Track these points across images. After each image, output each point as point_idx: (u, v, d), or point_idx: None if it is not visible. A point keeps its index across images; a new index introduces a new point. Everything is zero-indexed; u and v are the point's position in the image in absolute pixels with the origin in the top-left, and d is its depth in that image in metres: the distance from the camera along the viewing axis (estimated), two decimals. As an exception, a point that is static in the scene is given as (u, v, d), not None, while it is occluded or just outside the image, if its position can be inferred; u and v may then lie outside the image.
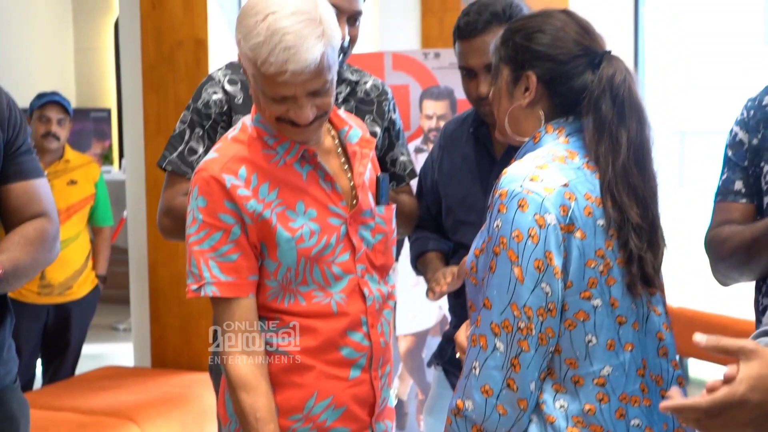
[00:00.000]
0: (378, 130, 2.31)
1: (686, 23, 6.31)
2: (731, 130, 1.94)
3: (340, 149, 1.87)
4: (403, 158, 2.38)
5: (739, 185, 1.90)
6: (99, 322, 6.18)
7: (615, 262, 1.54)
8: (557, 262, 1.50)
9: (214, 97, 2.21)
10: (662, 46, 6.57)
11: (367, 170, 1.88)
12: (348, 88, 2.30)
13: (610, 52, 1.66)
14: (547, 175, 1.54)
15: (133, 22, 3.87)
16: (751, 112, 1.90)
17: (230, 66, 2.27)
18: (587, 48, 1.66)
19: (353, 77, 2.32)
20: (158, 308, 4.28)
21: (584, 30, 1.67)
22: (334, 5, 2.09)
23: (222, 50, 3.76)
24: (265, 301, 1.77)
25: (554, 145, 1.63)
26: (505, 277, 1.51)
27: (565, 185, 1.54)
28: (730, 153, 1.93)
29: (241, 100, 2.21)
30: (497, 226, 1.53)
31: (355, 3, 2.18)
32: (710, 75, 6.19)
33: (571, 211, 1.52)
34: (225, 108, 2.20)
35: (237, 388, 1.72)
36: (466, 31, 2.20)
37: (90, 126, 8.11)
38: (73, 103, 8.25)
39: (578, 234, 1.52)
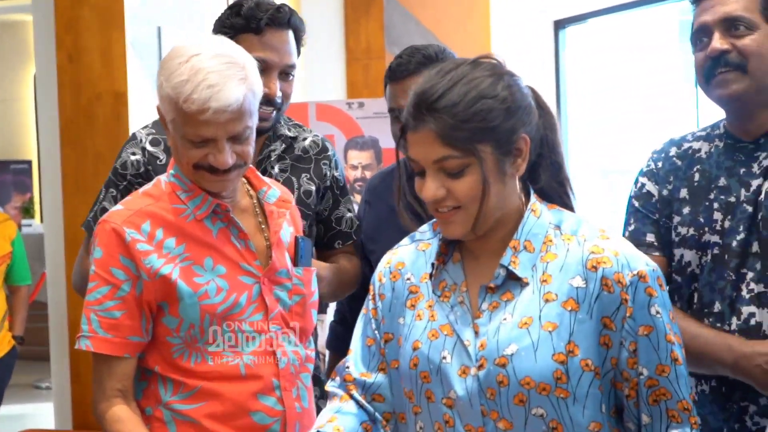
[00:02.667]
0: (313, 189, 2.24)
1: (609, 63, 6.45)
2: (636, 181, 1.94)
3: (258, 209, 1.85)
4: (349, 215, 2.33)
5: (651, 238, 1.89)
6: (20, 381, 5.98)
7: None
8: None
9: (132, 158, 2.15)
10: (584, 85, 6.70)
11: (287, 232, 1.86)
12: (283, 145, 2.24)
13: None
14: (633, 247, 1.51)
15: (50, 75, 3.79)
16: (659, 164, 1.91)
17: (155, 125, 2.21)
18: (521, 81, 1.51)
19: (290, 133, 2.26)
20: (79, 367, 4.13)
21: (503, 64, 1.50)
22: (264, 59, 2.06)
23: (142, 104, 3.70)
24: (170, 357, 1.73)
25: (566, 214, 1.53)
26: (684, 365, 1.47)
27: None
28: (637, 204, 1.92)
29: (164, 161, 2.14)
30: (658, 312, 1.44)
31: (287, 56, 2.13)
32: (633, 114, 6.33)
33: None
34: (142, 170, 2.14)
35: (111, 422, 1.70)
36: (398, 72, 2.23)
37: (9, 178, 7.93)
38: (-8, 155, 8.08)
39: None
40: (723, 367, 1.72)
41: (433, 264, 1.55)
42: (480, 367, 1.44)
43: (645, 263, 1.45)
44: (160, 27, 3.83)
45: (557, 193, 1.55)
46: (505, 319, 1.45)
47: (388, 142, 2.42)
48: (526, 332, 1.42)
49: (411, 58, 2.23)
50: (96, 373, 1.73)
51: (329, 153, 2.29)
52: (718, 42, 1.75)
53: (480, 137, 1.41)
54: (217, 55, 1.68)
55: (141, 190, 1.82)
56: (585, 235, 1.48)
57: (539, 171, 1.52)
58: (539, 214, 1.49)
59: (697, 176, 1.84)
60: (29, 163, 8.09)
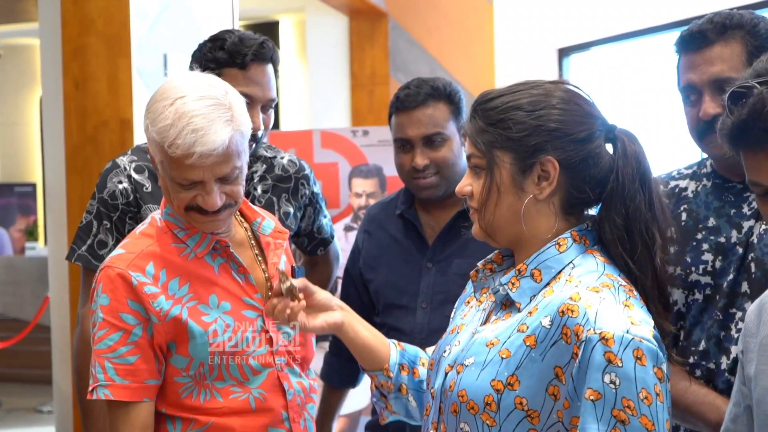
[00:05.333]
0: (291, 210, 2.31)
1: (612, 91, 6.47)
2: None
3: (253, 241, 1.85)
4: (325, 220, 2.49)
5: None
6: (22, 405, 5.96)
7: None
8: None
9: (120, 186, 2.15)
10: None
11: (282, 261, 1.86)
12: (264, 165, 2.31)
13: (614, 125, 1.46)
14: (638, 315, 1.34)
15: (56, 102, 3.80)
16: None
17: (136, 151, 2.23)
18: (602, 122, 1.45)
19: (268, 153, 2.34)
20: (82, 391, 4.12)
21: (589, 100, 1.46)
22: (248, 95, 2.09)
23: (148, 130, 3.71)
24: (178, 398, 1.72)
25: (594, 262, 1.42)
26: None
27: (653, 324, 1.36)
28: None
29: (149, 189, 2.16)
30: (613, 383, 1.29)
31: (269, 91, 2.18)
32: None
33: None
34: (131, 198, 2.15)
35: None
36: (406, 102, 2.26)
37: (14, 201, 7.95)
38: (-2, 178, 8.11)
39: None
40: (706, 426, 1.71)
41: (477, 269, 1.57)
42: (452, 368, 1.47)
43: (622, 329, 1.31)
44: (166, 54, 3.85)
45: (622, 259, 1.43)
46: (486, 333, 1.46)
47: (392, 170, 2.45)
48: (487, 351, 1.42)
49: (419, 89, 2.26)
50: (112, 422, 1.69)
51: (306, 172, 2.39)
52: (710, 107, 1.73)
53: (500, 144, 1.43)
54: (203, 96, 1.64)
55: (137, 230, 1.79)
56: (582, 281, 1.39)
57: (604, 224, 1.44)
58: (564, 249, 1.43)
59: (684, 216, 1.84)
60: (33, 186, 8.11)
